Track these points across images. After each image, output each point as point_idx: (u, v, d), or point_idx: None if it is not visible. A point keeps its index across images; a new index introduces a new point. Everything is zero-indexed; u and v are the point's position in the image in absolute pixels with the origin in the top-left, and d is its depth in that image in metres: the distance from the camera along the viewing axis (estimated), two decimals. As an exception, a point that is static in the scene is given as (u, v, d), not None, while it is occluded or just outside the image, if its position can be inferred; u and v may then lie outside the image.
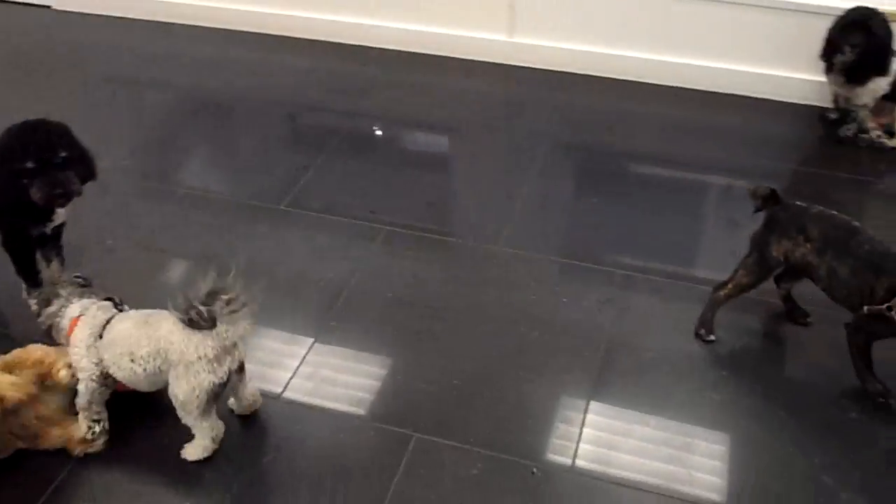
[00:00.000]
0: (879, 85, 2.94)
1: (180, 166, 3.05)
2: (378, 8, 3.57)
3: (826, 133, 3.11)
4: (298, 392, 2.07)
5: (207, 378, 1.77)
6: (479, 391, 2.06)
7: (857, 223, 2.00)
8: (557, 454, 1.91)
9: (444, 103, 3.32)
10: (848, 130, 3.06)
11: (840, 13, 2.89)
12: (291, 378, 2.10)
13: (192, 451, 1.89)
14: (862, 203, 2.80)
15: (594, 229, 2.63)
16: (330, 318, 2.27)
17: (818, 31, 2.92)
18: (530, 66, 3.47)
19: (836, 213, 2.05)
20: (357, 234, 2.59)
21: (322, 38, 3.68)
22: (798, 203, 2.10)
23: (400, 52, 3.60)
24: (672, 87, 3.35)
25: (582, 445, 1.92)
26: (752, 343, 2.22)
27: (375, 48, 3.62)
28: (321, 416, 2.01)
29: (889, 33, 2.86)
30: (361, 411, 2.02)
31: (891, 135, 3.02)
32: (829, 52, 2.95)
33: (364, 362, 2.17)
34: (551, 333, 2.22)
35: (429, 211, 2.71)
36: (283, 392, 2.07)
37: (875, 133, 3.03)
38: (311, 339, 2.21)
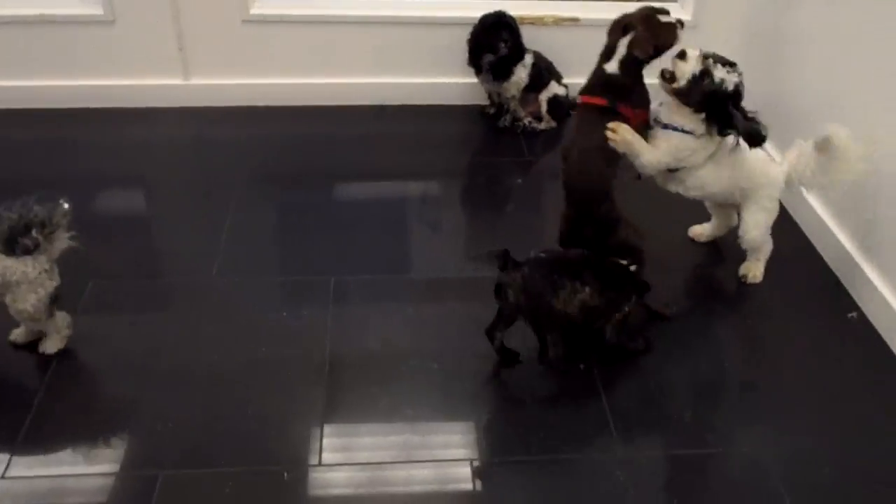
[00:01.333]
0: (521, 78, 3.41)
1: None
2: (42, 67, 3.42)
3: (488, 126, 3.53)
4: (22, 467, 1.95)
5: (50, 284, 2.13)
6: (218, 416, 2.09)
7: None
8: (304, 455, 1.99)
9: (129, 155, 3.25)
10: (504, 121, 3.50)
11: (475, 21, 3.31)
12: (11, 456, 1.97)
13: (50, 345, 2.22)
14: (527, 180, 3.22)
15: (304, 246, 2.74)
16: (49, 384, 2.16)
17: (461, 40, 3.32)
18: (211, 105, 3.52)
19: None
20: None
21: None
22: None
23: (86, 109, 3.45)
24: (347, 105, 3.58)
25: (325, 440, 2.03)
26: (459, 323, 2.45)
27: (48, 108, 3.45)
28: (53, 483, 1.92)
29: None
30: (98, 466, 1.96)
31: (539, 120, 3.51)
32: (477, 55, 3.36)
33: (92, 418, 2.09)
34: (278, 347, 2.30)
35: (134, 260, 2.66)
36: (4, 472, 1.93)
37: (527, 120, 3.50)
38: (27, 415, 2.08)
